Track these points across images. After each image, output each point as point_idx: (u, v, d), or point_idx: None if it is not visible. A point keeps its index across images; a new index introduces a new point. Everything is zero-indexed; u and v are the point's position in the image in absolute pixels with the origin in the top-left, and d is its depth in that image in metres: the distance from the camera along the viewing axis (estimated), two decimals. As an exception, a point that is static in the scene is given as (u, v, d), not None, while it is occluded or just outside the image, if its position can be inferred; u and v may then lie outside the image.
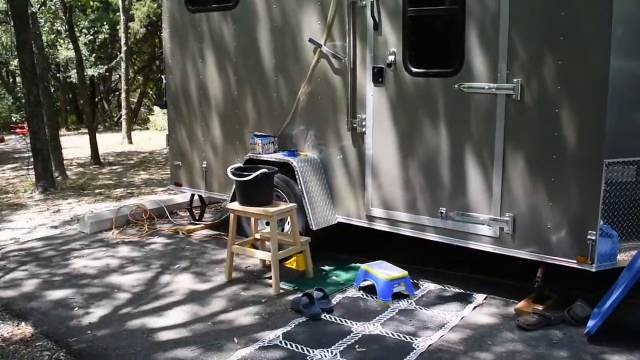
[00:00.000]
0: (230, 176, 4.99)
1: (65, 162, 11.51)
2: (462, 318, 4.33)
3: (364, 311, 4.50)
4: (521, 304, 4.46)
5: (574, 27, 4.01)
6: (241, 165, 5.27)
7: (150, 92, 27.42)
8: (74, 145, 16.11)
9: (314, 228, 5.26)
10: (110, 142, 16.99)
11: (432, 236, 4.90)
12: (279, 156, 5.51)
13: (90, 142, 13.29)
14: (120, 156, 14.65)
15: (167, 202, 7.67)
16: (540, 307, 4.36)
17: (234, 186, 5.24)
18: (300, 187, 5.30)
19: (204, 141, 6.42)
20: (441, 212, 4.78)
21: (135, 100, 25.13)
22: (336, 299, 4.70)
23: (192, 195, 6.90)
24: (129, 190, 9.59)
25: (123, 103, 17.84)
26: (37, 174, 9.47)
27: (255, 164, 5.43)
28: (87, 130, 14.68)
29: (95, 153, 13.21)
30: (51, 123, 10.79)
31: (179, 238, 6.50)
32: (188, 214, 7.21)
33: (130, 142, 17.25)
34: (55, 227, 7.14)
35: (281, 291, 4.86)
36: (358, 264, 5.38)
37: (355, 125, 5.19)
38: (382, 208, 5.13)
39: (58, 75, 24.42)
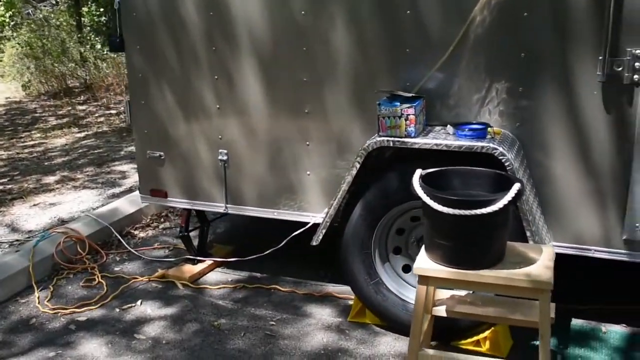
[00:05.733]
0: (438, 207, 2.05)
1: None
2: None
3: None
4: None
5: None
6: (430, 170, 2.30)
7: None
8: None
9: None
10: None
11: None
12: (457, 140, 2.64)
13: None
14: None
15: (111, 215, 4.36)
16: None
17: (423, 219, 2.38)
18: (524, 203, 2.56)
19: (220, 110, 3.32)
20: None
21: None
22: None
23: (188, 211, 3.73)
24: (21, 186, 5.87)
25: None
26: None
27: (396, 157, 2.56)
28: None
29: None
30: None
31: (181, 296, 3.40)
32: (175, 240, 4.08)
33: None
34: None
35: None
36: (601, 326, 2.85)
37: (619, 69, 2.52)
38: (671, 228, 2.59)
39: None
